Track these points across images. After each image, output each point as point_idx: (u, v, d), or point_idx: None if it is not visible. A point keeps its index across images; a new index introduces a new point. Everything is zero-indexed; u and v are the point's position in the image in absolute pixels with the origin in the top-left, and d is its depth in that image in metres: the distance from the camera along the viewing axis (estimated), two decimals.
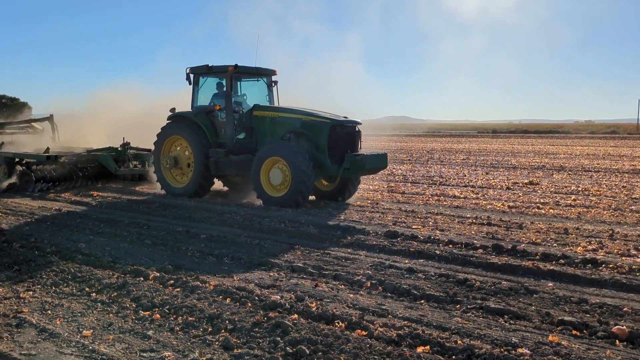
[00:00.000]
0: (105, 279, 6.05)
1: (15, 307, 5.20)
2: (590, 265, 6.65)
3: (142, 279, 6.14)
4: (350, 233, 8.52)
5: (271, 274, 6.48)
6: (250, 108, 12.42)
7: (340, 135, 11.41)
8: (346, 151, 11.25)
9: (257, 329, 4.67)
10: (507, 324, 4.87)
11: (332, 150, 11.21)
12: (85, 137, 19.36)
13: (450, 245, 7.79)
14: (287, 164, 10.93)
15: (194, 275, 6.27)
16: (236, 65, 12.05)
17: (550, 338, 4.48)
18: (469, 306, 5.32)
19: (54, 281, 6.05)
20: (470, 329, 4.74)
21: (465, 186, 14.71)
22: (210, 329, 4.71)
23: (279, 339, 4.45)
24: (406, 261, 7.03)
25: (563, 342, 4.40)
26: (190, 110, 12.90)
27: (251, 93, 13.34)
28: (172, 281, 6.01)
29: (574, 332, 4.67)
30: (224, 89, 12.46)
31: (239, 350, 4.26)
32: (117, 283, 5.91)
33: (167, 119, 13.06)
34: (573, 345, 4.36)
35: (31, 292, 5.68)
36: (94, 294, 5.65)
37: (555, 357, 4.13)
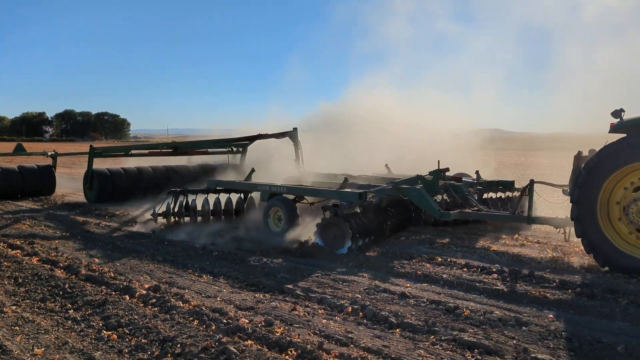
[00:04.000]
0: (90, 296, 6.12)
1: None
2: (607, 295, 5.92)
3: (127, 296, 6.16)
4: (364, 252, 8.19)
5: (257, 295, 6.29)
6: None
7: None
8: None
9: (202, 355, 4.50)
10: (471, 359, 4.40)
11: None
12: (314, 160, 15.11)
13: (465, 269, 7.27)
14: None
15: (180, 294, 6.22)
16: None
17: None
18: (443, 337, 4.86)
19: (44, 296, 6.20)
20: None
21: None
22: (157, 353, 4.59)
23: None
24: (407, 285, 6.61)
25: None
26: None
27: None
28: (154, 300, 5.98)
29: None
30: None
31: None
32: (99, 300, 5.96)
33: (612, 130, 7.25)
34: None
35: (15, 307, 5.84)
36: (71, 311, 5.71)
37: None
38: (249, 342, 4.74)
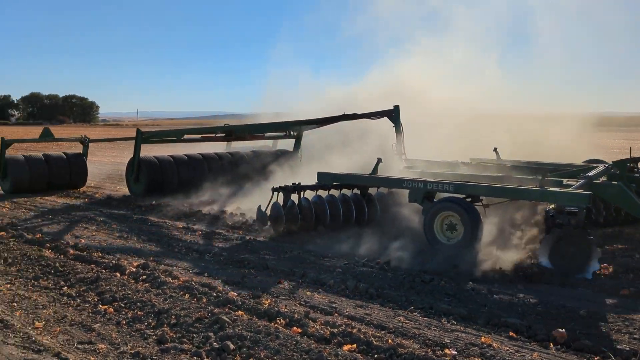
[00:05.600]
0: (81, 274, 6.35)
1: None
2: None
3: (118, 274, 6.40)
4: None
5: (243, 270, 6.61)
6: None
7: None
8: None
9: (197, 325, 4.81)
10: (448, 325, 4.80)
11: None
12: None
13: None
14: None
15: (169, 270, 6.49)
16: None
17: (482, 339, 4.38)
18: (419, 306, 5.26)
19: (36, 275, 6.41)
20: (407, 328, 4.70)
21: None
22: (153, 324, 4.88)
23: (212, 334, 4.57)
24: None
25: (494, 344, 4.29)
26: None
27: None
28: (144, 276, 6.24)
29: (511, 333, 4.55)
30: None
31: (169, 345, 4.41)
32: (91, 277, 6.20)
33: None
34: (503, 348, 4.25)
35: (9, 285, 6.04)
36: (65, 287, 5.95)
37: (478, 359, 4.05)
38: (240, 312, 5.06)
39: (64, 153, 14.39)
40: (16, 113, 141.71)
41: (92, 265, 6.74)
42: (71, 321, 4.97)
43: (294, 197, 8.57)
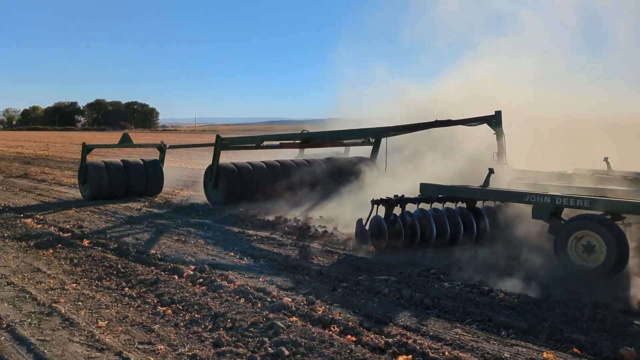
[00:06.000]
0: (142, 275, 6.56)
1: (55, 298, 5.81)
2: None
3: (176, 276, 6.57)
4: None
5: (297, 276, 6.64)
6: None
7: None
8: None
9: (252, 329, 4.86)
10: (508, 339, 4.65)
11: None
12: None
13: None
14: None
15: (225, 274, 6.60)
16: None
17: (544, 355, 4.22)
18: (478, 317, 5.12)
19: (100, 275, 6.66)
20: (465, 341, 4.59)
21: None
22: (210, 327, 4.97)
23: (266, 339, 4.60)
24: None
25: None
26: None
27: None
28: (201, 280, 6.37)
29: (574, 350, 4.36)
30: None
31: (225, 348, 4.47)
32: (151, 279, 6.38)
33: None
34: None
35: (75, 284, 6.30)
36: (127, 288, 6.15)
37: None
38: (294, 318, 5.07)
39: (141, 159, 14.33)
40: (82, 119, 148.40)
41: (151, 268, 6.95)
42: (132, 321, 5.13)
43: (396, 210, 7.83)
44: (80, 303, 5.65)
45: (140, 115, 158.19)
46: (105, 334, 4.83)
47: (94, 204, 12.60)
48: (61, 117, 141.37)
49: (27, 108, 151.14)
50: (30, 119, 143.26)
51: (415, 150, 12.10)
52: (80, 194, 13.78)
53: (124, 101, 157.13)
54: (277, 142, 13.32)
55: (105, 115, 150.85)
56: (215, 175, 12.36)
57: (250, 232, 9.33)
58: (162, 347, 4.53)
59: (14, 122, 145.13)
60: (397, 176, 9.65)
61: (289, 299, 5.61)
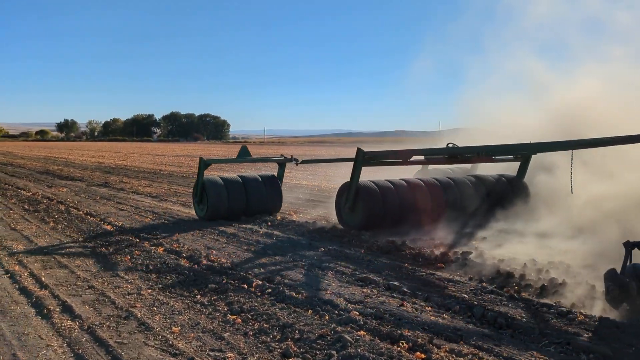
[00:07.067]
0: (213, 284, 6.72)
1: (132, 302, 6.05)
2: None
3: (245, 285, 6.68)
4: (466, 256, 8.20)
5: (365, 290, 6.59)
6: None
7: None
8: None
9: (320, 341, 4.86)
10: None
11: None
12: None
13: None
14: None
15: (292, 285, 6.65)
16: None
17: None
18: (555, 340, 4.89)
19: (173, 282, 6.89)
20: None
21: None
22: (278, 337, 5.01)
23: (334, 352, 4.59)
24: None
25: None
26: None
27: None
28: (270, 290, 6.46)
29: None
30: None
31: (293, 359, 4.49)
32: (221, 288, 6.53)
33: None
34: None
35: (150, 290, 6.54)
36: (198, 296, 6.32)
37: None
38: (362, 332, 5.03)
39: (259, 175, 12.78)
40: (158, 131, 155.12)
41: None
42: (203, 328, 5.25)
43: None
44: (155, 308, 5.86)
45: (212, 127, 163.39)
46: (178, 339, 4.97)
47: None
48: (139, 128, 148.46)
49: (108, 120, 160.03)
50: (111, 130, 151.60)
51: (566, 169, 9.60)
52: (194, 212, 12.42)
53: (197, 113, 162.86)
54: (422, 157, 11.86)
55: (180, 126, 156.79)
56: (354, 195, 10.36)
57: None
58: (231, 355, 4.61)
59: (96, 134, 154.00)
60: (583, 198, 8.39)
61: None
